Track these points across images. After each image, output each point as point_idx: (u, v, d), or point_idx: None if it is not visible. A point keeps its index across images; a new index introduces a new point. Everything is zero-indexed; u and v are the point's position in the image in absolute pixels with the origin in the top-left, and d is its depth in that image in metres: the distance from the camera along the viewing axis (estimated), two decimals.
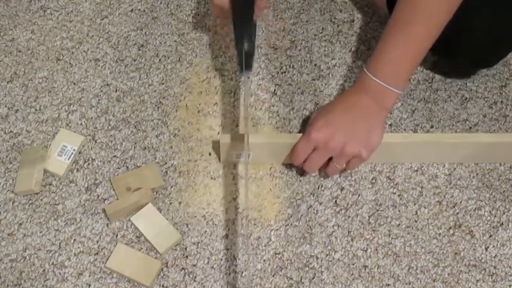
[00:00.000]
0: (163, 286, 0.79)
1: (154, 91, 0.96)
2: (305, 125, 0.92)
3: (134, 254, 0.80)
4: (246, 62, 0.76)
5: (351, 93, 0.84)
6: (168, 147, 0.91)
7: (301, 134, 0.83)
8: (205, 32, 1.03)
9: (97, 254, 0.81)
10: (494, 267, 0.82)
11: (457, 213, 0.87)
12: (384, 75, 0.79)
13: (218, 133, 0.92)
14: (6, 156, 0.89)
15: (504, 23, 0.86)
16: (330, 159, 0.82)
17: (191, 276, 0.80)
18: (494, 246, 0.84)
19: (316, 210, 0.86)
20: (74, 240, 0.82)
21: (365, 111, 0.81)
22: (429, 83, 0.99)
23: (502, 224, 0.86)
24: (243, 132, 0.91)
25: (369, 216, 0.86)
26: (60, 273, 0.80)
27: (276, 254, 0.82)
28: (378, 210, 0.86)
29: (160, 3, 1.07)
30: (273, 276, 0.81)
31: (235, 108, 0.95)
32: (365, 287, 0.80)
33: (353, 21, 1.06)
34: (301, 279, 0.80)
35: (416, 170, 0.90)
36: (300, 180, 0.88)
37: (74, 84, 0.97)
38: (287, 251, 0.83)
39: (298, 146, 0.82)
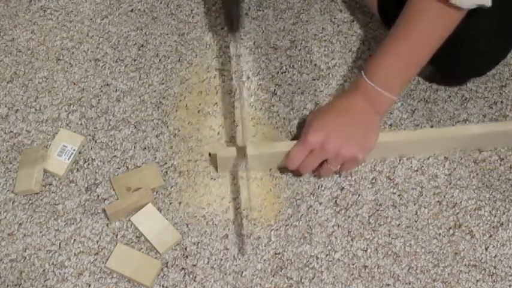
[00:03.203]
0: (163, 286, 0.79)
1: (154, 91, 0.96)
2: (303, 126, 0.92)
3: (134, 254, 0.80)
4: (233, 23, 0.81)
5: (346, 96, 0.84)
6: (168, 147, 0.91)
7: (294, 142, 0.83)
8: (205, 32, 1.03)
9: (97, 254, 0.81)
10: (494, 267, 0.82)
11: (457, 213, 0.87)
12: (380, 81, 0.80)
13: (218, 133, 0.92)
14: (6, 156, 0.89)
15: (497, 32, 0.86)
16: (325, 160, 0.82)
17: (191, 276, 0.80)
18: (494, 246, 0.84)
19: (316, 210, 0.86)
20: (74, 240, 0.82)
21: (360, 114, 0.81)
22: (429, 83, 0.99)
23: (502, 224, 0.86)
24: (239, 144, 0.91)
25: (369, 216, 0.86)
26: (60, 273, 0.80)
27: (276, 254, 0.82)
28: (378, 210, 0.86)
29: (160, 3, 1.07)
30: (273, 276, 0.81)
31: (235, 108, 0.95)
32: (365, 287, 0.80)
33: (353, 21, 1.06)
34: (301, 279, 0.80)
35: (416, 170, 0.90)
36: (300, 180, 0.88)
37: (74, 84, 0.97)
38: (287, 251, 0.83)
39: (295, 149, 0.82)
